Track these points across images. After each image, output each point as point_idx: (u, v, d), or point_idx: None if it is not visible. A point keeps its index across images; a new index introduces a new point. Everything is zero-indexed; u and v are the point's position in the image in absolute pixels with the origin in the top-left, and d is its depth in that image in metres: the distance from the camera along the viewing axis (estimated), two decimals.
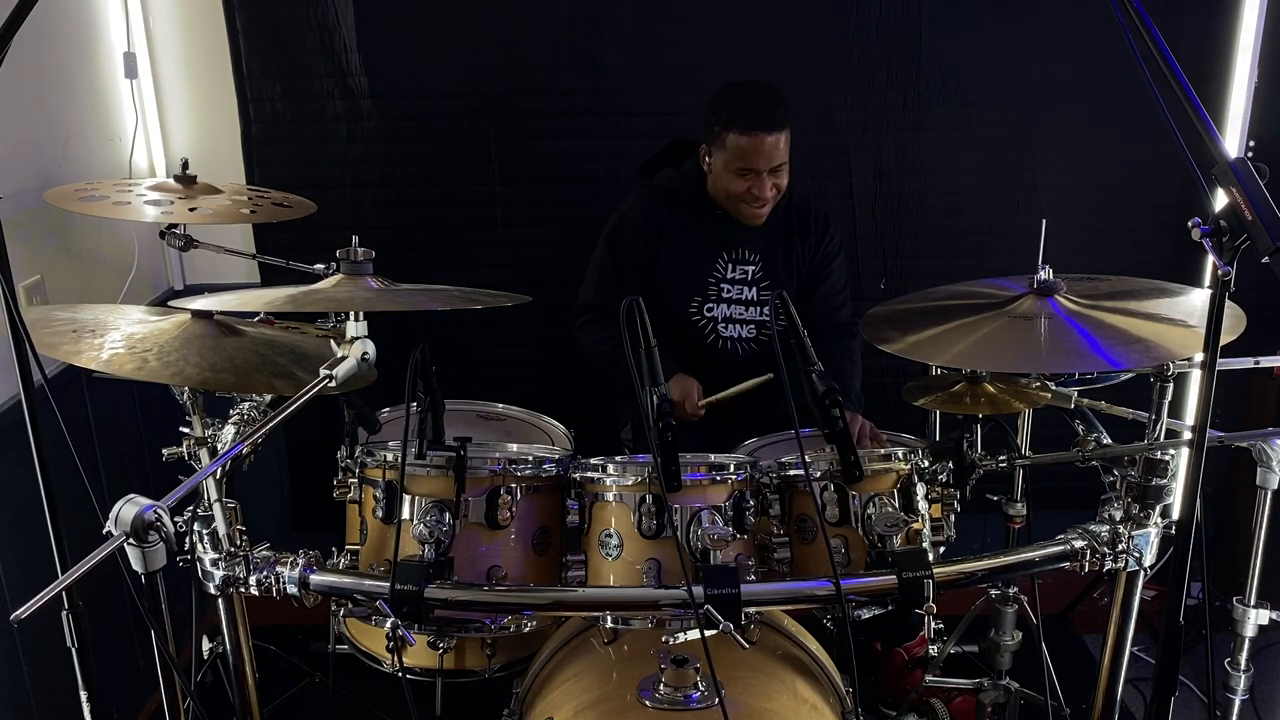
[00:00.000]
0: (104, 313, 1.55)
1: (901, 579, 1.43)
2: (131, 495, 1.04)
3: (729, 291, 2.43)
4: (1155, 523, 1.55)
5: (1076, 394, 1.84)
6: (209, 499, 1.43)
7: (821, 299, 2.48)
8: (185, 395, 1.50)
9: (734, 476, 1.54)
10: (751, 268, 2.43)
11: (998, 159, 2.83)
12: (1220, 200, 1.04)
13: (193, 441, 1.55)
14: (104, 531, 1.03)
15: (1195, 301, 1.65)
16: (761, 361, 2.41)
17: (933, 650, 2.36)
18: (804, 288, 2.48)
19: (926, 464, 1.63)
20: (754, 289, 2.44)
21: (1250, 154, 2.76)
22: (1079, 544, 1.54)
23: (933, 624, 1.56)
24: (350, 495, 1.63)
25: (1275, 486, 1.57)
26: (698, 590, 1.35)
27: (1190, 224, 1.07)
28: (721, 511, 1.50)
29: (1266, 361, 1.87)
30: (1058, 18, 2.70)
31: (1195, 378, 2.40)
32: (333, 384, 1.27)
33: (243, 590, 1.46)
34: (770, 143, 2.22)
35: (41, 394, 1.22)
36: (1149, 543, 1.55)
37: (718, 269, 2.42)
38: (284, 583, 1.44)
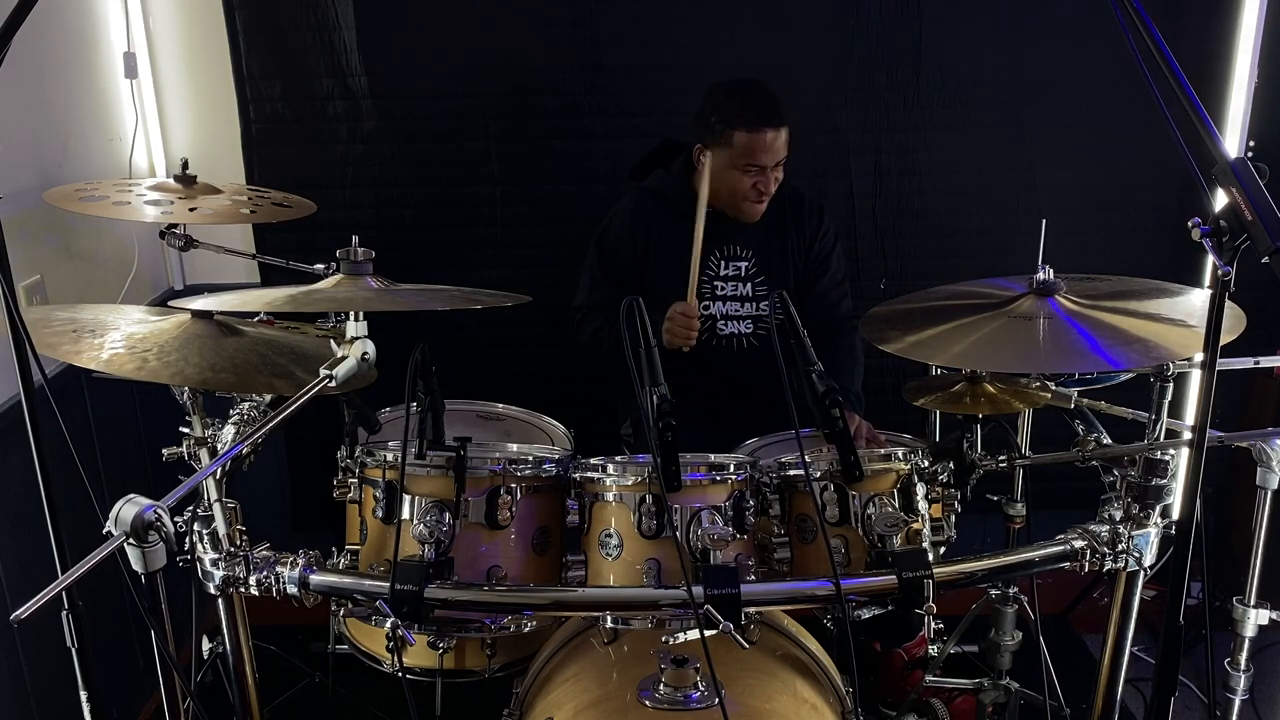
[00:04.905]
0: (104, 313, 1.55)
1: (901, 579, 1.42)
2: (131, 495, 1.04)
3: (723, 289, 2.43)
4: (1155, 523, 1.55)
5: (1076, 394, 1.84)
6: (209, 499, 1.43)
7: (820, 293, 2.47)
8: (185, 395, 1.50)
9: (734, 476, 1.54)
10: (744, 264, 2.43)
11: (998, 159, 2.83)
12: (1220, 200, 1.04)
13: (193, 441, 1.55)
14: (104, 531, 1.03)
15: (1195, 301, 1.65)
16: (761, 357, 2.41)
17: (933, 650, 2.37)
18: (802, 281, 2.47)
19: (926, 464, 1.63)
20: (749, 284, 2.44)
21: (1250, 154, 2.76)
22: (1079, 544, 1.54)
23: (933, 624, 1.56)
24: (350, 495, 1.63)
25: (1275, 486, 1.57)
26: (698, 590, 1.35)
27: (1190, 224, 1.07)
28: (721, 511, 1.50)
29: (1266, 361, 1.88)
30: (1058, 18, 2.70)
31: (1195, 378, 2.40)
32: (333, 384, 1.27)
33: (243, 590, 1.46)
34: (775, 138, 2.25)
35: (41, 394, 1.22)
36: (1149, 543, 1.55)
37: (711, 267, 2.42)
38: (284, 583, 1.45)
